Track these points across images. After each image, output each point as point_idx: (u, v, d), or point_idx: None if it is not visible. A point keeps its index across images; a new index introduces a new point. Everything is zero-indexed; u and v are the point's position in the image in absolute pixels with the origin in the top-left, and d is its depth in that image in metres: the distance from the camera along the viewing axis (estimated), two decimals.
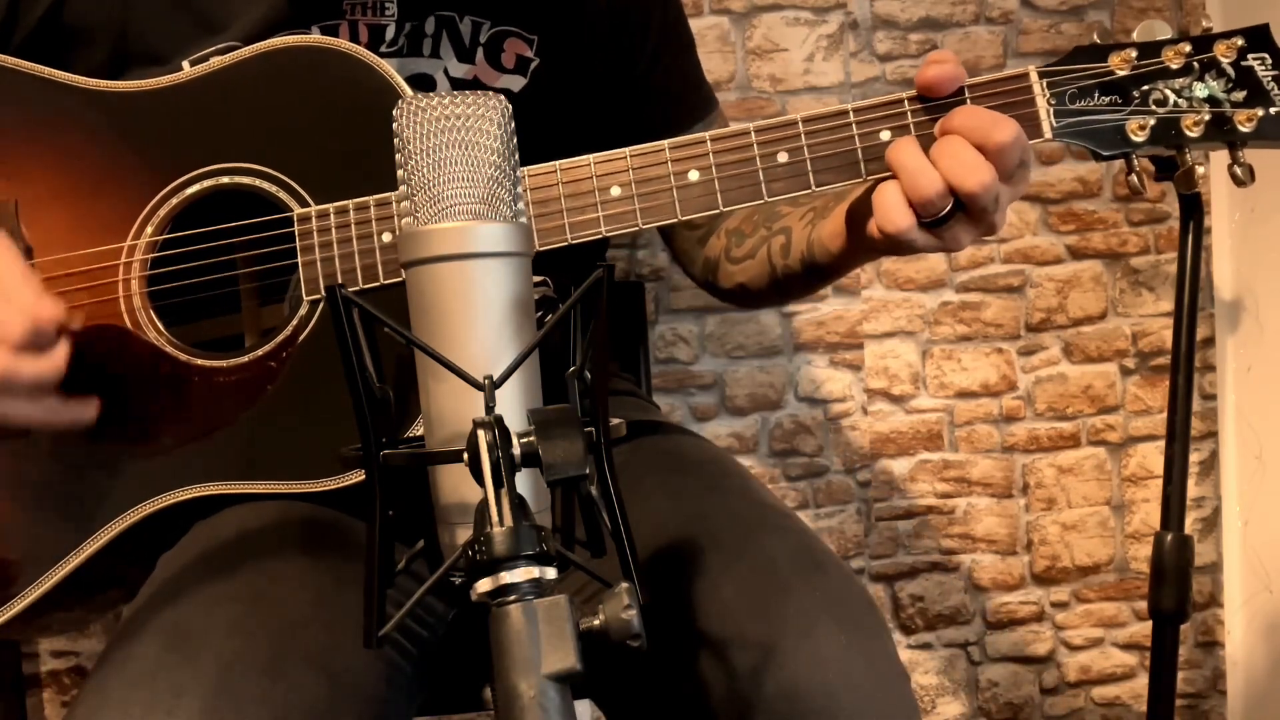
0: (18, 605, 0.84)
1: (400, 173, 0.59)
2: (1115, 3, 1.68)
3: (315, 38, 0.88)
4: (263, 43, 0.87)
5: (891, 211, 0.78)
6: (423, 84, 0.96)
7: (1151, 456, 1.73)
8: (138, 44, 0.93)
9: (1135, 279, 1.72)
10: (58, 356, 0.78)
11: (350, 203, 0.83)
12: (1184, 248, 1.38)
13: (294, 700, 0.70)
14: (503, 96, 0.61)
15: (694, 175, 0.83)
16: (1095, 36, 0.83)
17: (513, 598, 0.50)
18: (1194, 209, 1.31)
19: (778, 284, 1.00)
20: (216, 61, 0.87)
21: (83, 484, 0.85)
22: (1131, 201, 1.71)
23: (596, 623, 0.51)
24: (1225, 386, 1.72)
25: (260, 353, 0.84)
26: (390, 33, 0.95)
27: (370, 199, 0.83)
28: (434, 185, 0.58)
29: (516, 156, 0.60)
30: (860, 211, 0.85)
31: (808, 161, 0.82)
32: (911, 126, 0.81)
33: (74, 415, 0.81)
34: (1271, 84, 0.80)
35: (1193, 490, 1.73)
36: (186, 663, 0.69)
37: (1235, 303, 1.69)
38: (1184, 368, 1.36)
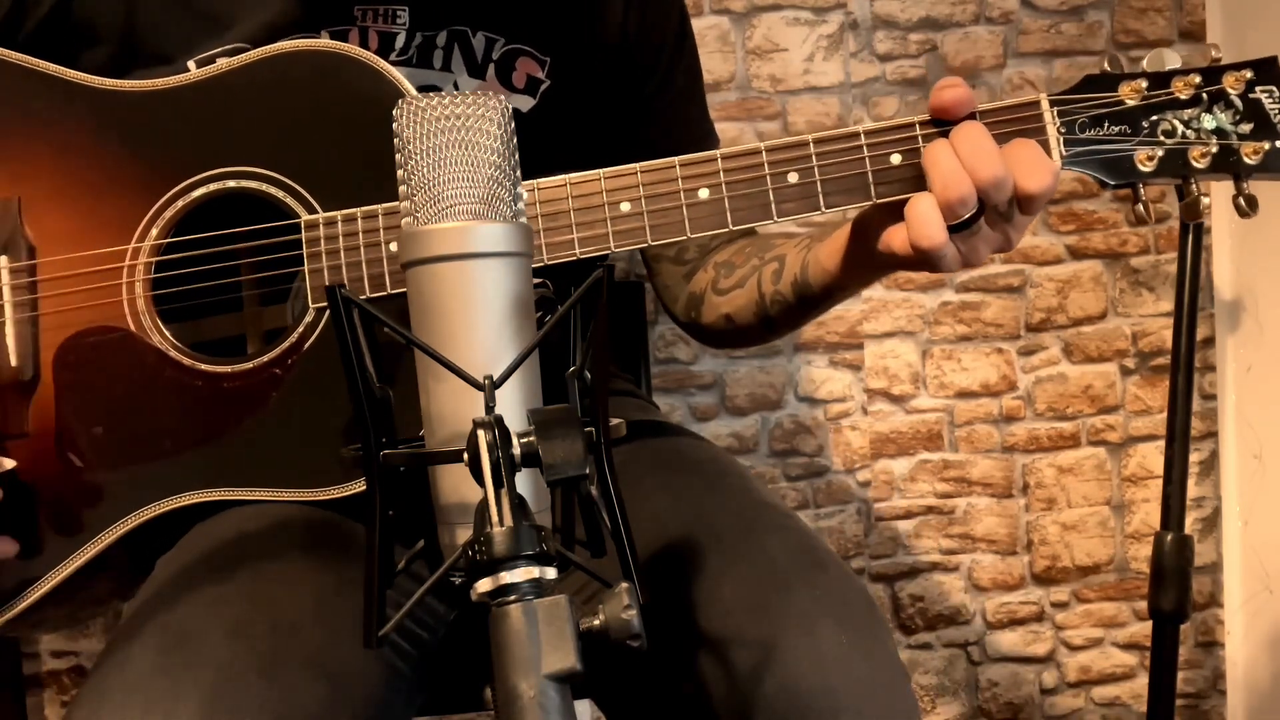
0: (18, 606, 0.84)
1: (400, 173, 0.59)
2: (1115, 3, 1.68)
3: (324, 42, 0.87)
4: (271, 46, 0.86)
5: (929, 226, 0.77)
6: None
7: (1151, 456, 1.73)
8: (143, 44, 0.93)
9: (1135, 279, 1.72)
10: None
11: (359, 211, 0.82)
12: (1184, 248, 1.39)
13: (292, 702, 0.70)
14: (502, 98, 0.61)
15: (704, 193, 0.82)
16: (1105, 64, 0.83)
17: (513, 598, 0.50)
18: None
19: (765, 313, 0.98)
20: (225, 64, 0.87)
21: (86, 487, 0.84)
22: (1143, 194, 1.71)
23: (596, 623, 0.51)
24: (1225, 386, 1.72)
25: (266, 359, 0.84)
26: (400, 41, 0.95)
27: (379, 208, 0.82)
28: (434, 185, 0.58)
29: (516, 157, 0.60)
30: (868, 223, 0.84)
31: (818, 183, 0.82)
32: (922, 151, 0.81)
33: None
34: (1279, 117, 0.80)
35: (1193, 490, 1.73)
36: (184, 665, 0.69)
37: (1235, 303, 1.69)
38: (1184, 368, 1.36)
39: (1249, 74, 0.81)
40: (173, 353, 0.85)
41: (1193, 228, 1.38)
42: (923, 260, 0.79)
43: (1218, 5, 1.64)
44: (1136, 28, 1.67)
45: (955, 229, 0.78)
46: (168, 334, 0.85)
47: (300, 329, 0.84)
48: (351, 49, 0.85)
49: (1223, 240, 1.70)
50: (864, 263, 0.87)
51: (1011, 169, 0.76)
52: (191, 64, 0.91)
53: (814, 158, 0.82)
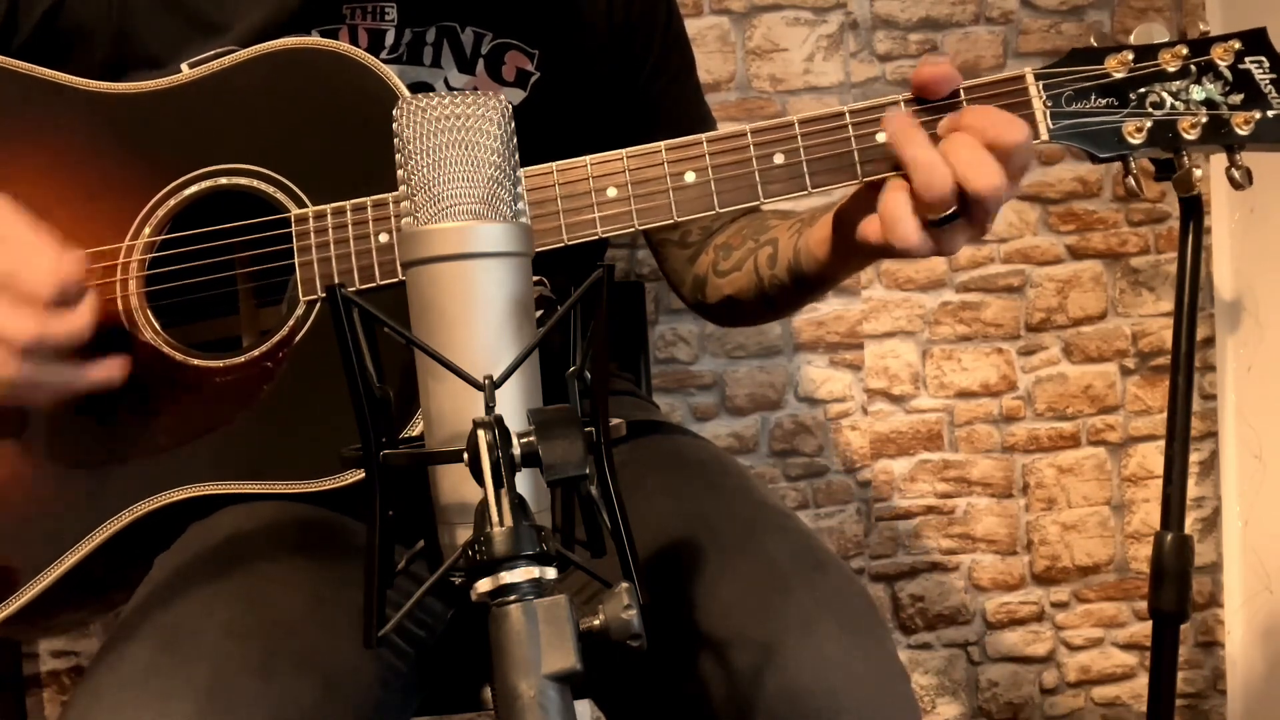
0: (13, 605, 0.84)
1: (400, 173, 0.59)
2: (1115, 3, 1.68)
3: (315, 40, 0.88)
4: (262, 45, 0.87)
5: (901, 224, 0.77)
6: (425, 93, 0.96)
7: (1151, 456, 1.73)
8: (136, 47, 0.93)
9: (1135, 279, 1.72)
10: (85, 312, 0.77)
11: (347, 204, 0.83)
12: (1184, 248, 1.38)
13: (286, 702, 0.69)
14: (503, 97, 0.61)
15: (690, 177, 0.83)
16: (1092, 39, 0.83)
17: (513, 598, 0.50)
18: (1194, 209, 1.31)
19: (765, 295, 0.99)
20: (216, 64, 0.87)
21: (79, 484, 0.85)
22: (1131, 201, 1.71)
23: (596, 623, 0.51)
24: (1225, 386, 1.72)
25: (257, 353, 0.84)
26: (390, 38, 0.95)
27: (367, 200, 0.83)
28: (434, 185, 0.58)
29: (516, 156, 0.60)
30: (848, 215, 0.84)
31: (804, 163, 0.82)
32: (894, 140, 0.81)
33: (103, 374, 0.80)
34: (1269, 87, 0.80)
35: (1193, 490, 1.73)
36: (179, 664, 0.69)
37: (1235, 303, 1.69)
38: (1184, 368, 1.36)
39: (1237, 45, 0.81)
40: (165, 348, 0.85)
41: (1192, 227, 1.37)
42: (892, 253, 0.80)
43: (1218, 5, 1.64)
44: (1136, 27, 1.67)
45: (934, 224, 0.78)
46: (160, 330, 0.85)
47: (291, 322, 0.84)
48: (341, 46, 0.85)
49: (1223, 240, 1.70)
50: (848, 253, 0.88)
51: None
52: (184, 66, 0.91)
53: (799, 138, 0.82)
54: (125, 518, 0.83)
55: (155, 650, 0.70)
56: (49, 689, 1.59)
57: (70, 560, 0.83)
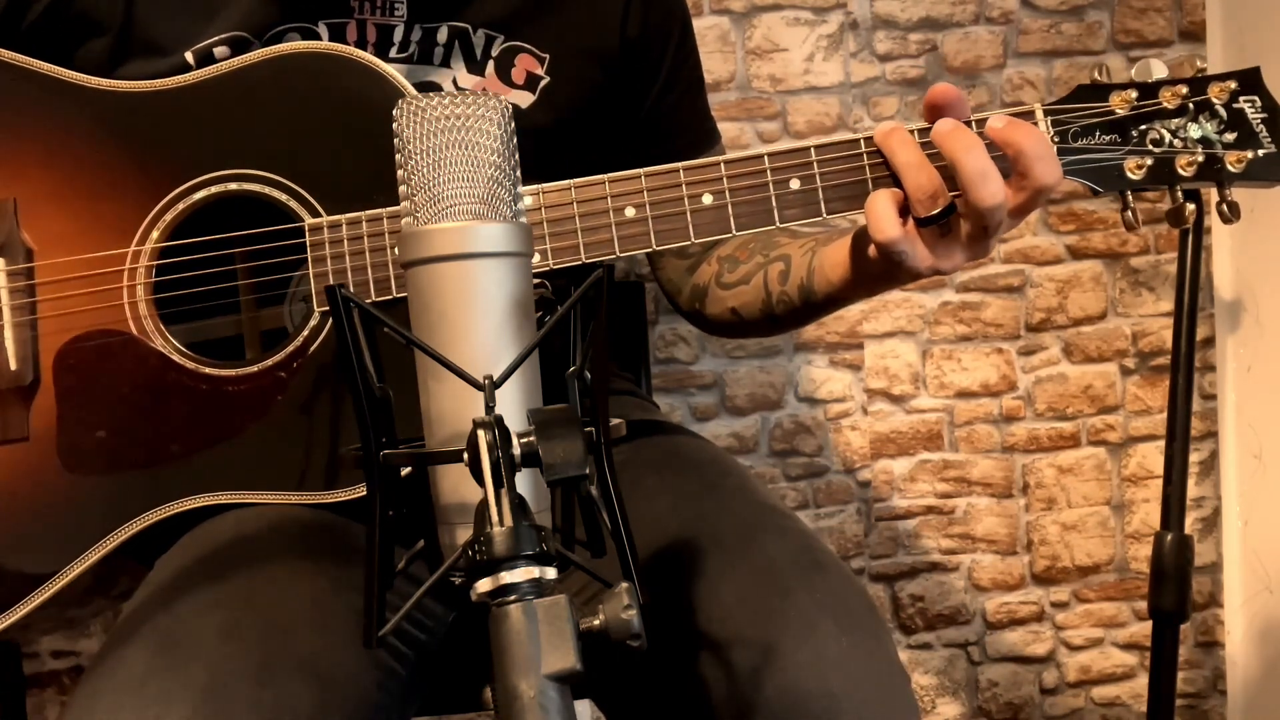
0: (20, 611, 0.83)
1: (400, 173, 0.59)
2: (1115, 3, 1.67)
3: (325, 45, 0.87)
4: (271, 48, 0.86)
5: (881, 220, 0.79)
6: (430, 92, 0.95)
7: (1151, 456, 1.73)
8: (141, 33, 0.92)
9: (1135, 279, 1.72)
10: None
11: (363, 215, 0.82)
12: (1184, 248, 1.39)
13: (283, 705, 0.69)
14: (503, 97, 0.61)
15: (708, 199, 0.83)
16: (1096, 73, 0.84)
17: (513, 598, 0.50)
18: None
19: (770, 311, 0.98)
20: (225, 65, 0.87)
21: (90, 492, 0.84)
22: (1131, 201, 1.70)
23: (596, 623, 0.51)
24: (1225, 386, 1.71)
25: (270, 362, 0.84)
26: (399, 34, 0.94)
27: (383, 211, 0.82)
28: (434, 185, 0.58)
29: (516, 157, 0.60)
30: (865, 241, 0.85)
31: (820, 190, 0.83)
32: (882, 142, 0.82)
33: None
34: (1260, 126, 0.82)
35: (1193, 490, 1.73)
36: (176, 668, 0.69)
37: (1235, 303, 1.69)
38: (1184, 368, 1.36)
39: (1233, 84, 0.83)
40: (176, 356, 0.84)
41: (1192, 228, 1.38)
42: (885, 257, 0.81)
43: (1218, 5, 1.64)
44: (1136, 28, 1.67)
45: (925, 223, 0.80)
46: (170, 337, 0.85)
47: (305, 332, 0.84)
48: (353, 51, 0.85)
49: (1223, 240, 1.70)
50: (864, 277, 0.88)
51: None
52: (189, 54, 0.90)
53: (815, 165, 0.83)
54: (136, 526, 0.82)
55: (152, 653, 0.70)
56: (49, 689, 1.58)
57: (80, 568, 0.83)
